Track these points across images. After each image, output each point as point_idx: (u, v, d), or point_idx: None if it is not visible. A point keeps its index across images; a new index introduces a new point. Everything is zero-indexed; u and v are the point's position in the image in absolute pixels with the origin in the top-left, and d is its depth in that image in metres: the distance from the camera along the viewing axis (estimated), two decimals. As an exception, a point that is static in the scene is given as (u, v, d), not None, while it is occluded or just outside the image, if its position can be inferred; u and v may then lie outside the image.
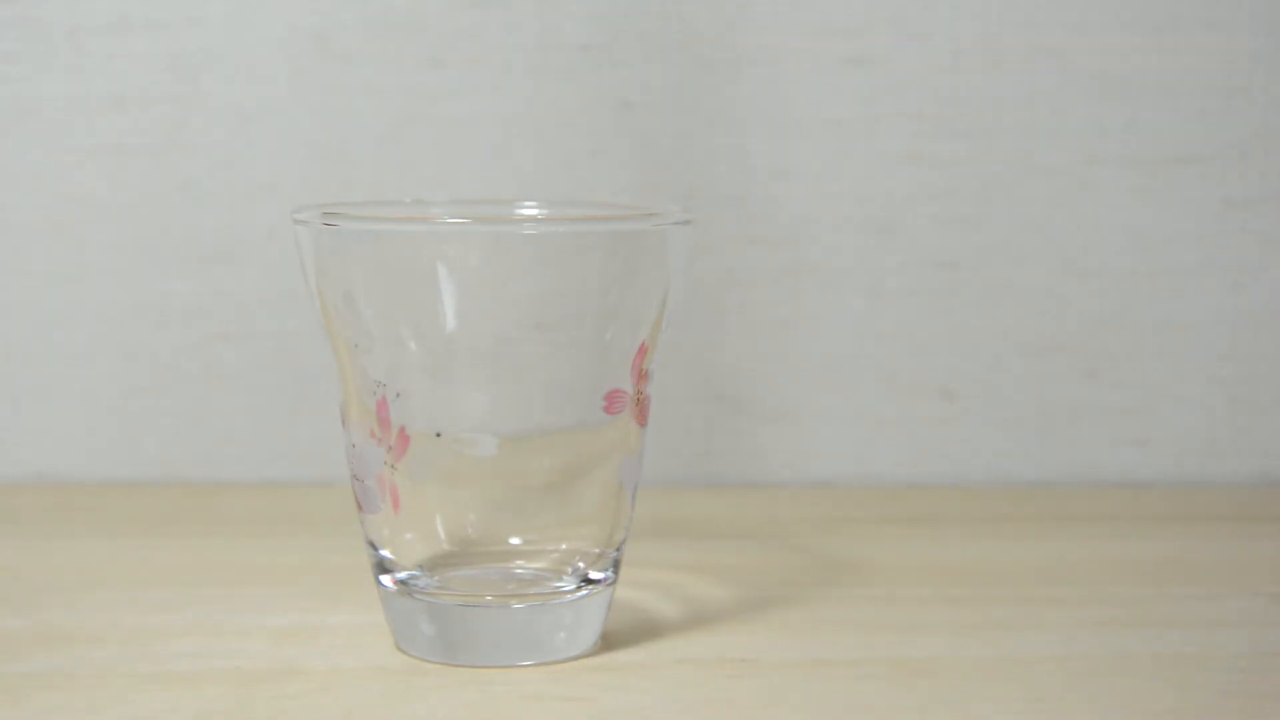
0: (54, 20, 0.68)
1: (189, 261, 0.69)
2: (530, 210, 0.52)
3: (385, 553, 0.48)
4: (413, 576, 0.48)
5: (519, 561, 0.49)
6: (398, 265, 0.46)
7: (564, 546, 0.48)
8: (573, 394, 0.47)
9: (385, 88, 0.68)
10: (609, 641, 0.49)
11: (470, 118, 0.68)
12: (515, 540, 0.48)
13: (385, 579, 0.48)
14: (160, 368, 0.69)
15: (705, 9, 0.68)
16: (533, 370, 0.47)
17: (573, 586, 0.48)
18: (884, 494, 0.69)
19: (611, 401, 0.47)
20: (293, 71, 0.68)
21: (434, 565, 0.48)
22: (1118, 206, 0.70)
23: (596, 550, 0.49)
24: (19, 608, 0.53)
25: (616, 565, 0.49)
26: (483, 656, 0.47)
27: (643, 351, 0.47)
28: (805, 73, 0.68)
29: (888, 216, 0.69)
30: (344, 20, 0.68)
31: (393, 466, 0.47)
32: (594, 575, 0.49)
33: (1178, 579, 0.56)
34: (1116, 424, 0.71)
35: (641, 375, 0.48)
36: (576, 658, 0.48)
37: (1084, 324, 0.70)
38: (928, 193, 0.69)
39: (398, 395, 0.46)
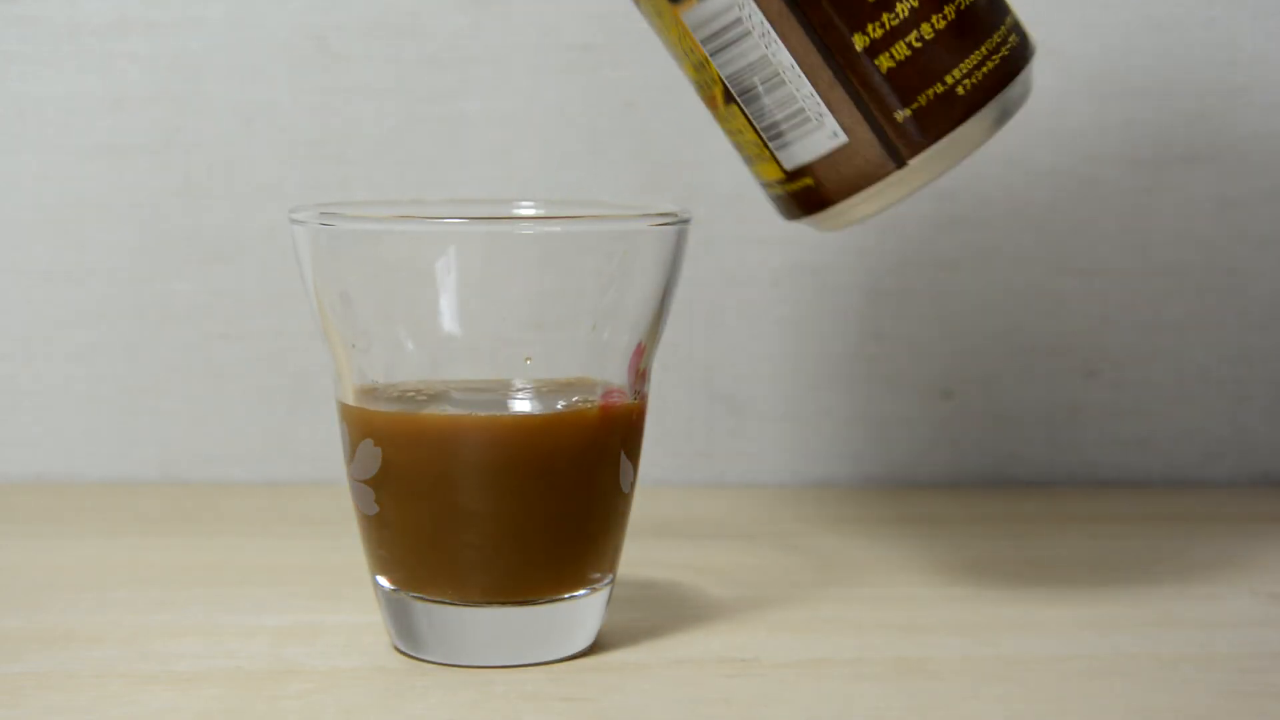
0: (54, 20, 0.68)
1: (189, 261, 0.69)
2: (529, 210, 0.52)
3: (384, 552, 0.48)
4: (412, 576, 0.48)
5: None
6: (395, 265, 0.46)
7: (563, 546, 0.48)
8: (570, 393, 0.47)
9: (385, 88, 0.68)
10: (608, 641, 0.49)
11: (469, 118, 0.68)
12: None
13: (384, 579, 0.48)
14: (160, 368, 0.69)
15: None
16: (530, 370, 0.47)
17: (572, 586, 0.48)
18: (884, 494, 0.69)
19: (609, 401, 0.47)
20: (293, 71, 0.68)
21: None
22: (1117, 206, 0.70)
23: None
24: (19, 608, 0.53)
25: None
26: (482, 656, 0.47)
27: (640, 351, 0.47)
28: (805, 73, 0.68)
29: (887, 216, 0.69)
30: (344, 20, 0.68)
31: (392, 466, 0.47)
32: (593, 575, 0.48)
33: (1178, 579, 0.56)
34: (1116, 424, 0.71)
35: (639, 375, 0.48)
36: (576, 657, 0.48)
37: (1083, 324, 0.70)
38: (926, 192, 0.69)
39: (396, 395, 0.46)
